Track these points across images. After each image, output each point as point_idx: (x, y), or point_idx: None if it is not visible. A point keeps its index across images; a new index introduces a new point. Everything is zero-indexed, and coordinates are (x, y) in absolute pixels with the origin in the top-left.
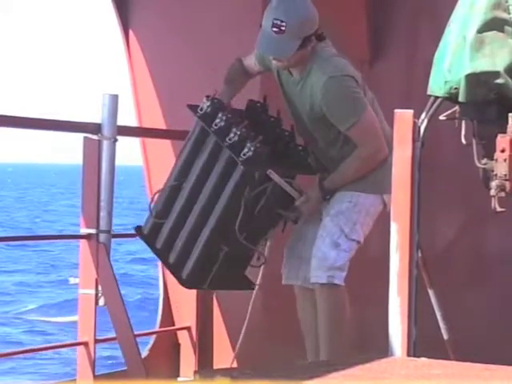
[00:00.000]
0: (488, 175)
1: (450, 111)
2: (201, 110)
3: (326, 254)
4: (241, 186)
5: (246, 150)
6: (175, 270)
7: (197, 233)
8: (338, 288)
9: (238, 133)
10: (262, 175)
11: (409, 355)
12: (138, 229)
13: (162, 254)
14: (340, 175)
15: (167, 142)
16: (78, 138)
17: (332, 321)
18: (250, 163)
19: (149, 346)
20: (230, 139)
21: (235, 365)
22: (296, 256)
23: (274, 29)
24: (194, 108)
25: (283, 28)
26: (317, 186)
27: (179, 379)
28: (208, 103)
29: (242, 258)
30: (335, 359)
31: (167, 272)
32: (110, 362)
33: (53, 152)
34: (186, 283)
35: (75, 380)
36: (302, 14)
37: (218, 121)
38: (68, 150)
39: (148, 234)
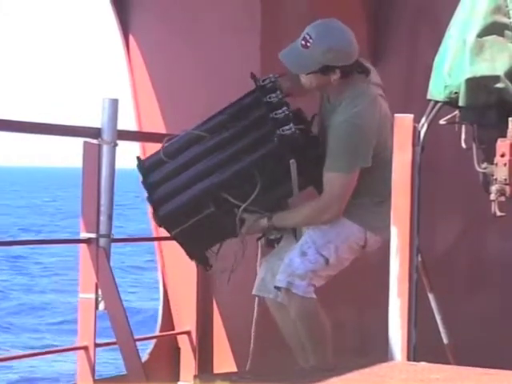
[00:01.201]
0: (488, 179)
1: (450, 115)
2: (262, 81)
3: (291, 260)
4: (262, 160)
5: (286, 127)
6: (156, 205)
7: (195, 181)
8: (306, 300)
9: (286, 112)
10: (284, 161)
11: (409, 359)
12: (139, 159)
13: (151, 188)
14: (290, 215)
15: None
16: (63, 141)
17: (306, 332)
18: (283, 141)
19: (149, 350)
20: (276, 114)
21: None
22: (269, 269)
23: (302, 41)
24: (255, 78)
25: (309, 44)
26: (265, 215)
27: (179, 383)
28: (272, 79)
29: (217, 231)
30: (329, 364)
31: (167, 276)
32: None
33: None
34: (159, 220)
35: None
36: (331, 41)
37: (273, 95)
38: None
39: (147, 167)
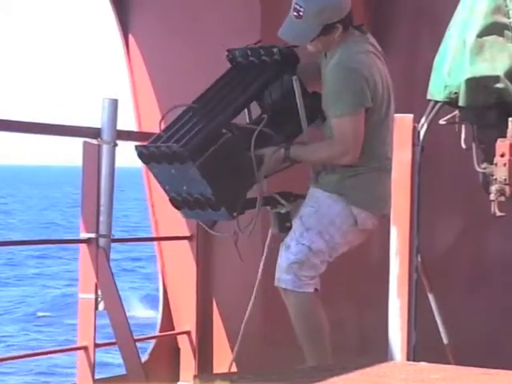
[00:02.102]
0: (488, 180)
1: (449, 115)
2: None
3: (279, 255)
4: (267, 83)
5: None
6: (176, 142)
7: (209, 120)
8: (298, 294)
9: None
10: (287, 82)
11: (408, 359)
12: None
13: (166, 140)
14: (306, 152)
15: None
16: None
17: (298, 328)
18: (283, 54)
19: (149, 350)
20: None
21: (234, 369)
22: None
23: (294, 13)
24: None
25: (301, 13)
26: (281, 148)
27: (179, 383)
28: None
29: (237, 171)
30: (329, 364)
31: (167, 276)
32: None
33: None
34: (182, 152)
35: None
36: (320, 1)
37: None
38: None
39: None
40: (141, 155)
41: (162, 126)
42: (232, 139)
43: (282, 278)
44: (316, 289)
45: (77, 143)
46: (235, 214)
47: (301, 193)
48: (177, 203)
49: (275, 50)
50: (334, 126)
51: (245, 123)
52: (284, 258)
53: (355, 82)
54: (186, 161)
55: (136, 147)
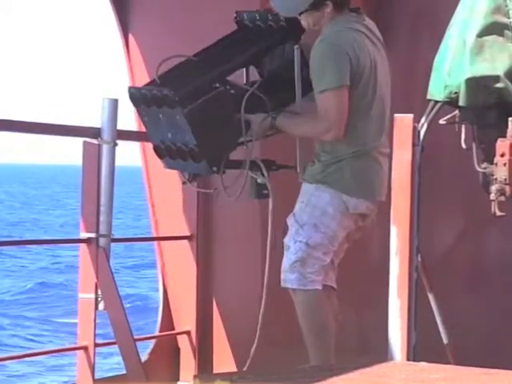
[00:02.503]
0: (488, 179)
1: (449, 115)
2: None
3: (284, 257)
4: (270, 45)
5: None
6: (169, 86)
7: (205, 72)
8: (305, 293)
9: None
10: (289, 49)
11: (408, 359)
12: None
13: (161, 84)
14: (291, 124)
15: None
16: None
17: (305, 327)
18: (289, 22)
19: (149, 350)
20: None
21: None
22: None
23: None
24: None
25: None
26: (269, 116)
27: (179, 383)
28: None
29: (226, 128)
30: (324, 364)
31: (167, 276)
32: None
33: None
34: (173, 96)
35: None
36: None
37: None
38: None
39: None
40: (132, 97)
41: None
42: (224, 94)
43: (288, 278)
44: (325, 285)
45: (63, 142)
46: (215, 168)
47: (285, 163)
48: (160, 152)
49: (282, 17)
50: (318, 102)
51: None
52: (286, 259)
53: (337, 59)
54: (175, 106)
55: (129, 89)
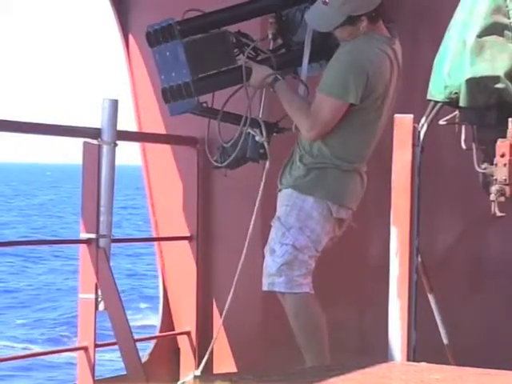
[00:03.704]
0: (488, 180)
1: (449, 116)
2: None
3: (266, 260)
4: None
5: None
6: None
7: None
8: (295, 296)
9: None
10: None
11: (408, 360)
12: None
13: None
14: (286, 97)
15: (167, 147)
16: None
17: (297, 329)
18: None
19: (149, 350)
20: None
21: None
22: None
23: None
24: None
25: (327, 0)
26: (274, 74)
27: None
28: None
29: (227, 69)
30: (321, 365)
31: (167, 277)
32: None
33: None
34: (175, 24)
35: None
36: None
37: None
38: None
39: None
40: (148, 37)
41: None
42: (227, 35)
43: (275, 281)
44: (310, 292)
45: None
46: (205, 104)
47: (287, 126)
48: (165, 95)
49: None
50: (316, 100)
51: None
52: (272, 263)
53: (355, 76)
54: (177, 37)
55: (146, 29)
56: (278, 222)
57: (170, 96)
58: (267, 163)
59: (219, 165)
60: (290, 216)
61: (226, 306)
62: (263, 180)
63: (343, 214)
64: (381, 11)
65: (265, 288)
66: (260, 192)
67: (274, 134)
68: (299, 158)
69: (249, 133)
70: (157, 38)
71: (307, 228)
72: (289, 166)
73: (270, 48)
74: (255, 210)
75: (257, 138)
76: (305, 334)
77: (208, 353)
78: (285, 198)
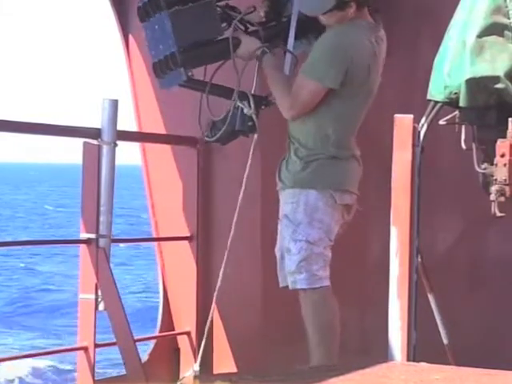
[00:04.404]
0: (488, 180)
1: (449, 116)
2: None
3: (285, 260)
4: None
5: None
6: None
7: None
8: (314, 291)
9: None
10: None
11: (409, 360)
12: None
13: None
14: (272, 74)
15: (167, 147)
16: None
17: (313, 325)
18: None
19: (149, 350)
20: None
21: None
22: (280, 257)
23: None
24: None
25: None
26: (262, 47)
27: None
28: None
29: (214, 41)
30: (327, 364)
31: (167, 277)
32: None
33: None
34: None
35: None
36: None
37: None
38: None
39: None
40: (139, 11)
41: None
42: (213, 5)
43: (297, 279)
44: (329, 286)
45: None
46: (190, 73)
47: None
48: (156, 70)
49: None
50: (297, 80)
51: None
52: (290, 261)
53: (338, 62)
54: (161, 7)
55: (137, 3)
56: (286, 220)
57: (160, 70)
58: (255, 135)
59: (210, 139)
60: (298, 212)
61: (214, 298)
62: (251, 151)
63: (348, 199)
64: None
65: (291, 286)
66: (248, 166)
67: (263, 108)
68: (294, 151)
69: (238, 106)
70: (146, 11)
71: (317, 221)
72: (285, 160)
73: (258, 21)
74: (242, 190)
75: (245, 111)
76: (319, 330)
77: (203, 343)
78: (288, 196)
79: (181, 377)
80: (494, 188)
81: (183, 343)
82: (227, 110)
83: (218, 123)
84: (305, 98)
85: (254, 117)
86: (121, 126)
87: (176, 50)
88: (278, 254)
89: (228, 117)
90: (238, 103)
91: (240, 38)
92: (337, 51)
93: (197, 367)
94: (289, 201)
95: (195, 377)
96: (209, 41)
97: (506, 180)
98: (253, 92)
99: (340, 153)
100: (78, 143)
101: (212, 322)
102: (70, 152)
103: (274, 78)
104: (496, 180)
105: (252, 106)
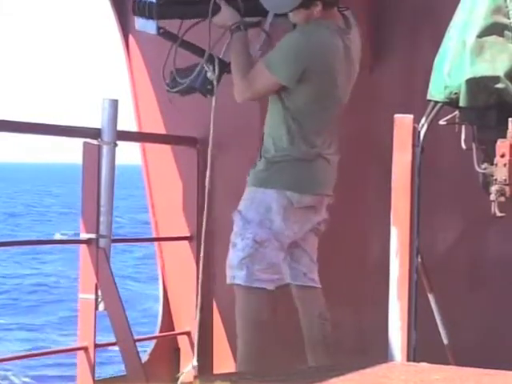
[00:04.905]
0: (488, 180)
1: (449, 116)
2: None
3: (229, 254)
4: None
5: None
6: None
7: None
8: (250, 290)
9: None
10: None
11: (409, 360)
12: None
13: None
14: (237, 51)
15: (167, 147)
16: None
17: (239, 321)
18: None
19: (149, 350)
20: None
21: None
22: None
23: None
24: None
25: None
26: (236, 17)
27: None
28: None
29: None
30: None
31: (167, 277)
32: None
33: None
34: None
35: None
36: None
37: None
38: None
39: None
40: None
41: None
42: None
43: (236, 274)
44: (267, 289)
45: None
46: (162, 30)
47: None
48: (134, 8)
49: None
50: (256, 66)
51: None
52: (234, 256)
53: (296, 61)
54: None
55: None
56: (239, 215)
57: (138, 10)
58: (213, 99)
59: (170, 90)
60: (250, 210)
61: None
62: (212, 114)
63: (309, 201)
64: (336, 1)
65: (228, 281)
66: (211, 134)
67: (226, 73)
68: (262, 152)
69: (203, 67)
70: None
71: (267, 220)
72: (256, 161)
73: None
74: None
75: (208, 75)
76: (244, 327)
77: (197, 338)
78: (246, 192)
79: (180, 373)
80: (494, 188)
81: (183, 343)
82: (192, 66)
83: (180, 74)
84: (258, 87)
85: (214, 82)
86: (121, 126)
87: (156, 2)
88: None
89: (192, 74)
90: (204, 65)
91: (221, 5)
92: (296, 50)
93: (195, 362)
94: (245, 197)
95: (195, 377)
96: (190, 1)
97: (506, 180)
98: (221, 57)
99: (305, 154)
100: (78, 143)
101: (212, 321)
102: (70, 152)
103: (238, 56)
104: (496, 180)
105: (216, 71)
